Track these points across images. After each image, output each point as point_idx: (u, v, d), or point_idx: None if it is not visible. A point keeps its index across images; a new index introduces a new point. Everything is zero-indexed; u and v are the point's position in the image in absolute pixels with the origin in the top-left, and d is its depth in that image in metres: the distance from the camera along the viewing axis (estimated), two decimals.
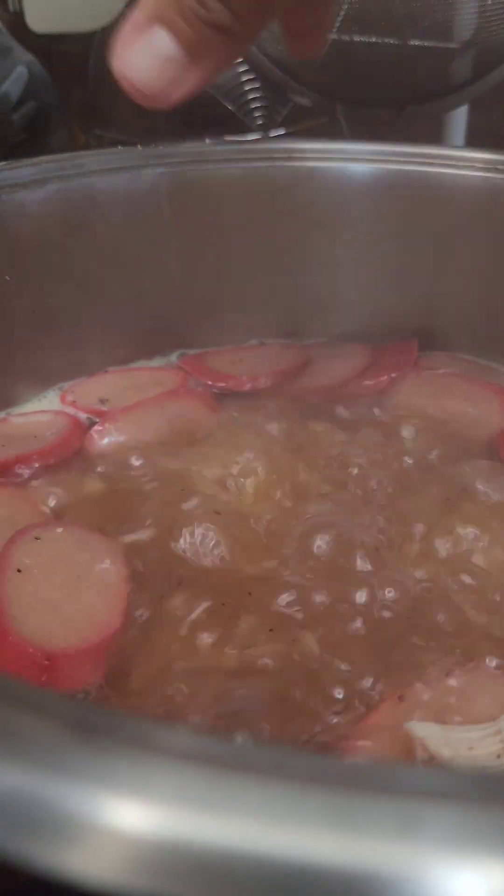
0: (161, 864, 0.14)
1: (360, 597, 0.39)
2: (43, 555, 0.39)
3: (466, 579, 0.40)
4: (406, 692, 0.34)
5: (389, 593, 0.39)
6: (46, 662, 0.34)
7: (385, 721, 0.32)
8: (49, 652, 0.34)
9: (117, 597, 0.38)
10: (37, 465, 0.50)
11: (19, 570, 0.38)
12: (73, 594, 0.38)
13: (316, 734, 0.33)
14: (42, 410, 0.57)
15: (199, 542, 0.42)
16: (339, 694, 0.34)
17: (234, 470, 0.48)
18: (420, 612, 0.38)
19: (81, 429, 0.55)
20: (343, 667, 0.35)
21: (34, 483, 0.49)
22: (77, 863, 0.14)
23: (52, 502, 0.47)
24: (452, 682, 0.34)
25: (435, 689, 0.34)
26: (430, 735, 0.30)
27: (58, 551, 0.40)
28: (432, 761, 0.30)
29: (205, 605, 0.39)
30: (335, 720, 0.33)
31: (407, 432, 0.53)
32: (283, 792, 0.14)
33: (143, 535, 0.43)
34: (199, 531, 0.42)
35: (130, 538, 0.43)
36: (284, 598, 0.39)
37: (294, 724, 0.33)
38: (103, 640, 0.36)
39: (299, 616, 0.38)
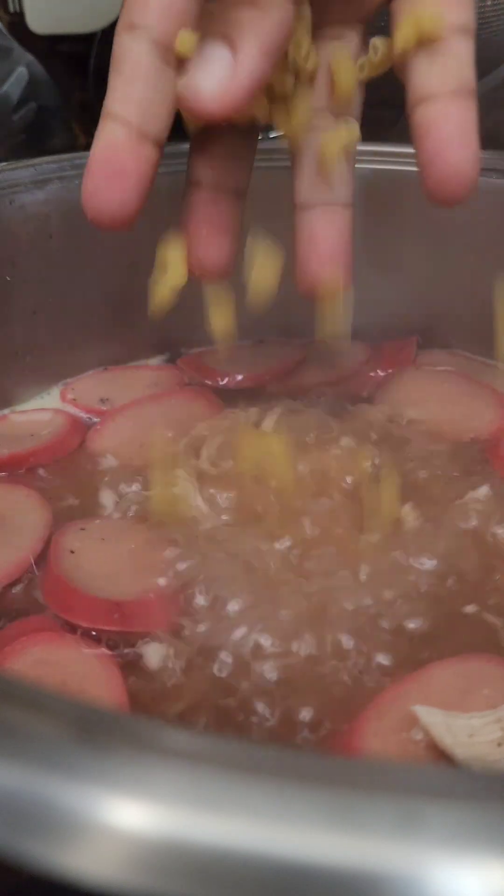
0: (161, 863, 0.14)
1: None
2: (91, 539, 0.43)
3: None
4: (414, 676, 0.34)
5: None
6: (116, 606, 0.38)
7: (392, 702, 0.33)
8: (117, 601, 0.38)
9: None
10: (33, 463, 0.51)
11: (72, 552, 0.42)
12: (126, 567, 0.41)
13: None
14: (41, 409, 0.57)
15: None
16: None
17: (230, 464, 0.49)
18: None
19: (80, 427, 0.55)
20: None
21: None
22: (77, 862, 0.14)
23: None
24: (457, 669, 0.34)
25: (440, 676, 0.34)
26: (433, 722, 0.31)
27: (103, 536, 0.44)
28: (434, 747, 0.31)
29: None
30: None
31: (401, 430, 0.53)
32: (283, 792, 0.14)
33: None
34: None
35: None
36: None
37: None
38: (159, 599, 0.39)
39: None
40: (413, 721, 0.32)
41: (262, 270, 0.41)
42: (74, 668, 0.35)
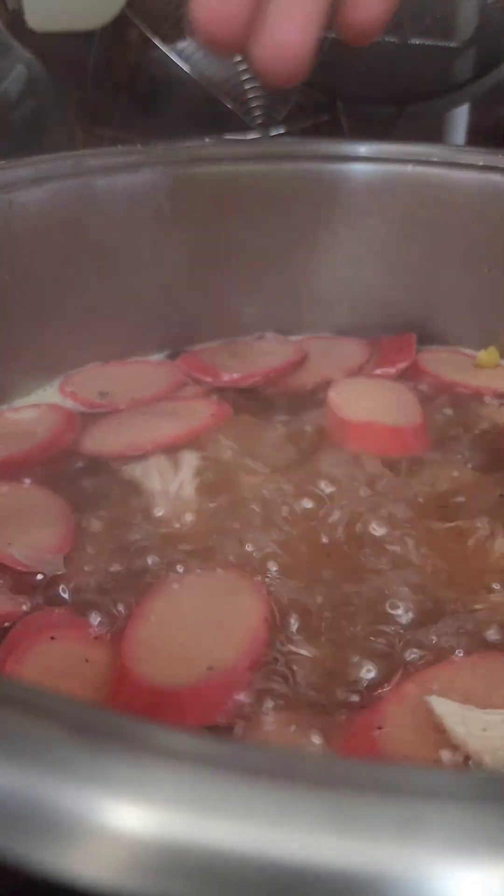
0: (160, 864, 0.14)
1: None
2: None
3: None
4: (437, 668, 0.34)
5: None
6: None
7: (410, 693, 0.33)
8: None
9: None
10: (31, 462, 0.50)
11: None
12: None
13: None
14: (35, 405, 0.57)
15: None
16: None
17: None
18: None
19: (75, 422, 0.55)
20: None
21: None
22: (76, 863, 0.14)
23: None
24: (478, 665, 0.34)
25: (463, 671, 0.34)
26: (448, 712, 0.31)
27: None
28: (447, 737, 0.31)
29: None
30: None
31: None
32: (283, 792, 0.14)
33: None
34: None
35: None
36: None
37: None
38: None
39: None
40: (430, 711, 0.32)
41: None
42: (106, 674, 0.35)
